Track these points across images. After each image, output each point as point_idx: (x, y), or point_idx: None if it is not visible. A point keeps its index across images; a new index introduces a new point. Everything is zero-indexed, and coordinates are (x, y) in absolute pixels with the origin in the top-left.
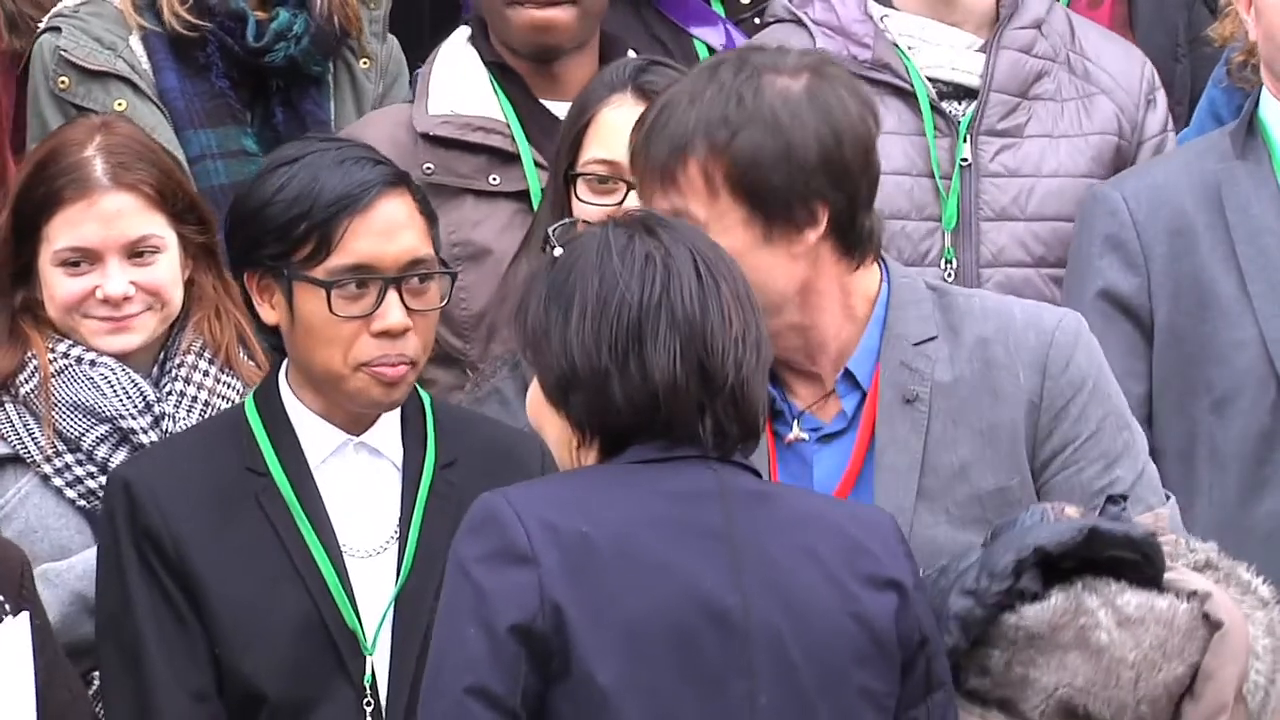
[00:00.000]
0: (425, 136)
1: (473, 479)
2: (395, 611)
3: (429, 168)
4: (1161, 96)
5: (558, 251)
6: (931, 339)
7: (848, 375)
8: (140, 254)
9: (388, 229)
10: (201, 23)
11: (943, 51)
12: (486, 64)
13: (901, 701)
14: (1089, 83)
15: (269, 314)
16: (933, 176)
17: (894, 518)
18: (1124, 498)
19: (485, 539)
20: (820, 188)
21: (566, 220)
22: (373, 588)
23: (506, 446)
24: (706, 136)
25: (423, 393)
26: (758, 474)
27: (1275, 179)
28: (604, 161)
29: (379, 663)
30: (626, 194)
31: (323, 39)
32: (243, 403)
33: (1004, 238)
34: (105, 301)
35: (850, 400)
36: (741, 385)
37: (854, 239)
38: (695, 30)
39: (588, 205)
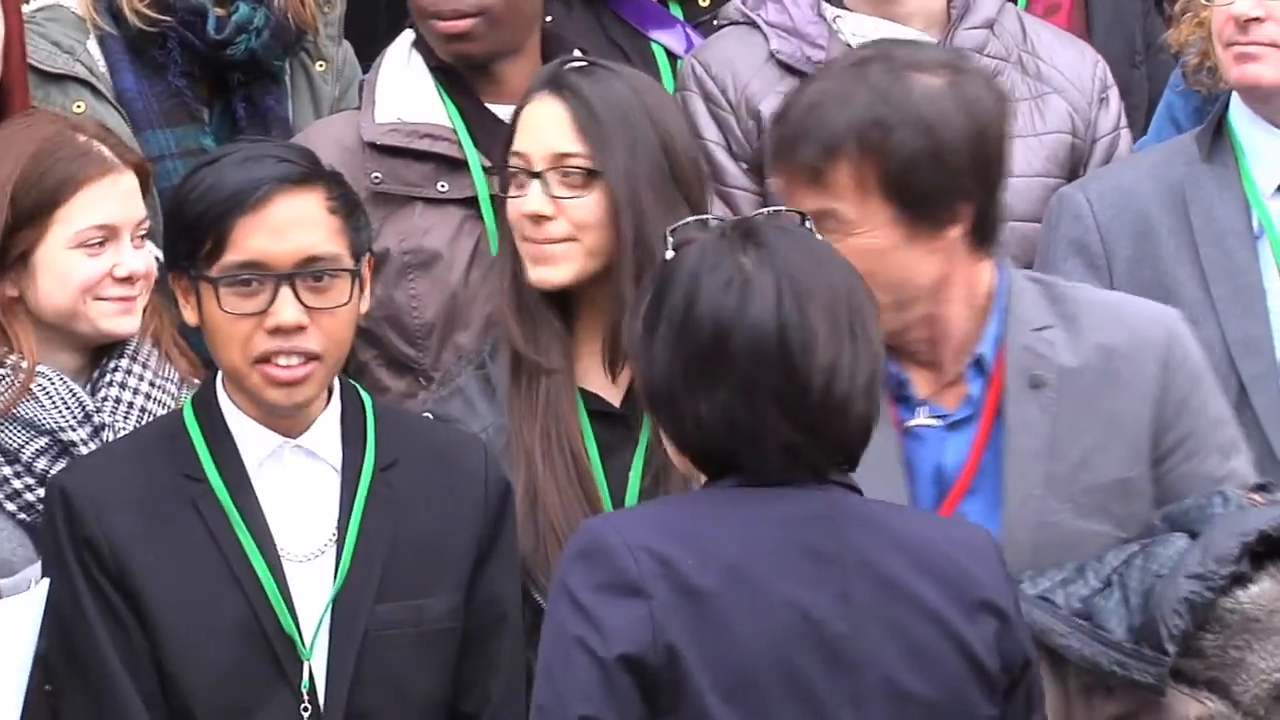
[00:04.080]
0: (372, 145)
1: (413, 481)
2: (333, 615)
3: (377, 176)
4: (1114, 94)
5: (669, 254)
6: (1049, 327)
7: (976, 362)
8: (141, 236)
9: (281, 226)
10: (162, 18)
11: None
12: (431, 69)
13: None
14: (1042, 82)
15: (190, 315)
16: None
17: (991, 536)
18: (1269, 485)
19: (594, 568)
20: (968, 188)
21: (689, 219)
22: (310, 591)
23: (449, 449)
24: (859, 138)
25: (364, 394)
26: (859, 492)
27: (1240, 183)
28: (516, 154)
29: (316, 666)
30: (526, 186)
31: (282, 34)
32: (180, 408)
33: None
34: (125, 280)
35: (977, 386)
36: (834, 407)
37: (988, 233)
38: (653, 34)
39: (510, 200)
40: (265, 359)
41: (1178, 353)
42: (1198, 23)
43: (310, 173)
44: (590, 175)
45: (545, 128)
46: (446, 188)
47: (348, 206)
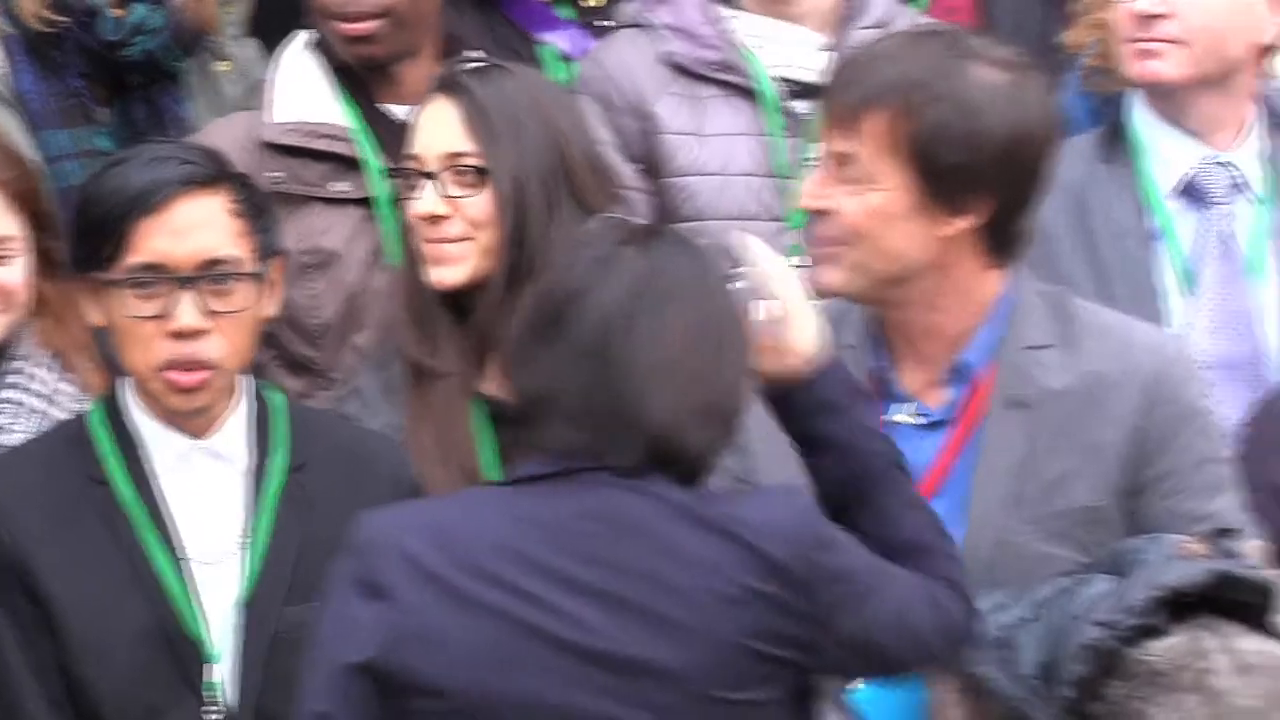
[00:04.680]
0: (270, 145)
1: (327, 482)
2: (239, 617)
3: (275, 176)
4: None
5: None
6: (1047, 346)
7: (959, 367)
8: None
9: (182, 229)
10: (60, 19)
11: (788, 51)
12: (329, 70)
13: (842, 662)
14: None
15: (95, 317)
16: (777, 176)
17: (806, 504)
18: (1234, 531)
19: (350, 564)
20: (989, 180)
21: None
22: (218, 594)
23: (364, 449)
24: (902, 95)
25: (277, 394)
26: (682, 486)
27: (1138, 183)
28: (410, 155)
29: (224, 670)
30: (422, 187)
31: (181, 35)
32: (86, 411)
33: None
34: None
35: (956, 391)
36: (657, 417)
37: (1003, 240)
38: (541, 34)
39: (407, 201)
40: (167, 364)
41: (1168, 388)
42: (1095, 24)
43: (214, 174)
44: (481, 174)
45: (438, 128)
46: (344, 188)
47: (253, 209)
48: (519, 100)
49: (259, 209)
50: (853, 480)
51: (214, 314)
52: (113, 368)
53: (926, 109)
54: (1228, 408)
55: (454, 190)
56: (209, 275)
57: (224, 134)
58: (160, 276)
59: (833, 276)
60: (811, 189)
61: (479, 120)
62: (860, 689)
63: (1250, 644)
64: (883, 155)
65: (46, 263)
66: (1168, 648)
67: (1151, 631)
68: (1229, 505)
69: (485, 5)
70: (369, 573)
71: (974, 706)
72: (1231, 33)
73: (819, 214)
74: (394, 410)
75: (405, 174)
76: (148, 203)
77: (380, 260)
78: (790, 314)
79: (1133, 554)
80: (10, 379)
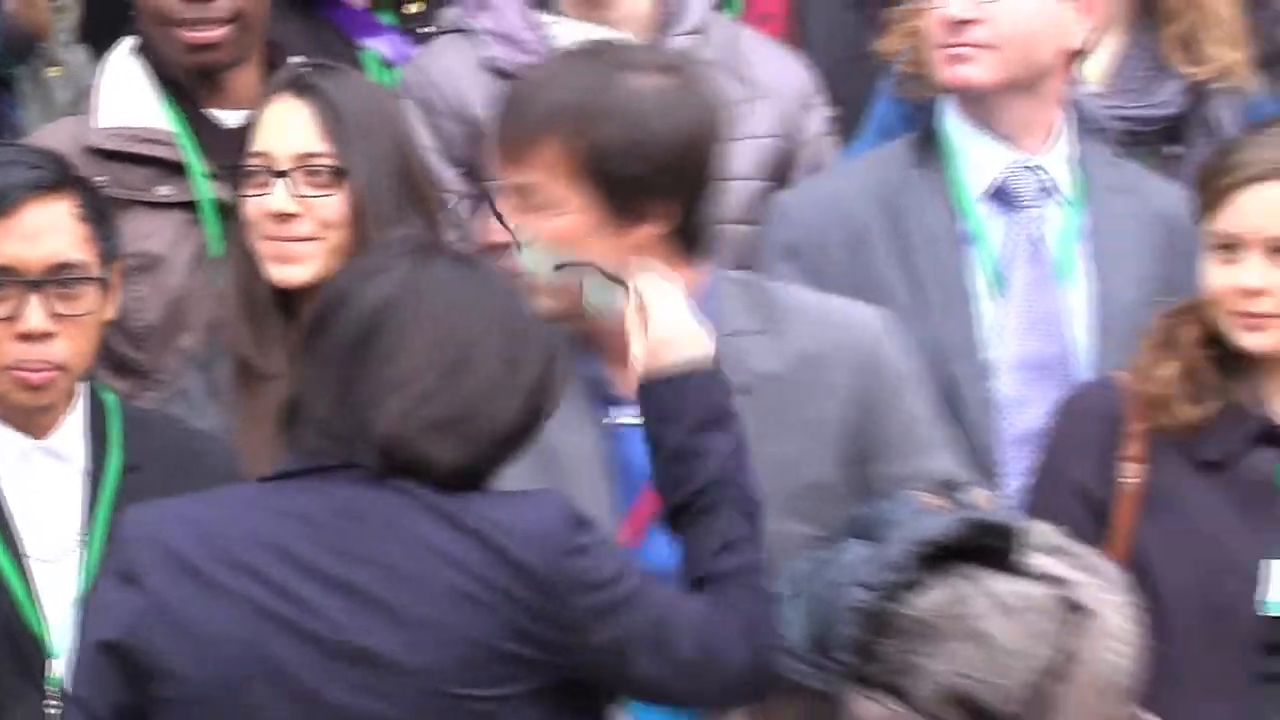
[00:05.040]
0: (95, 150)
1: (161, 481)
2: (81, 609)
3: (100, 181)
4: (820, 101)
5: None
6: (751, 332)
7: None
8: None
9: (31, 233)
10: None
11: None
12: (152, 75)
13: (605, 671)
14: (751, 88)
15: None
16: None
17: (564, 510)
18: (961, 483)
19: (113, 553)
20: (666, 186)
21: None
22: (57, 592)
23: (197, 449)
24: (567, 120)
25: (110, 395)
26: (429, 489)
27: (950, 187)
28: (258, 154)
29: (64, 665)
30: (272, 186)
31: (13, 41)
32: None
33: None
34: None
35: None
36: (394, 429)
37: (691, 238)
38: (364, 41)
39: (248, 199)
40: (15, 365)
41: (881, 357)
42: (908, 32)
43: (61, 180)
44: (336, 175)
45: (290, 128)
46: (167, 192)
47: (97, 214)
48: (367, 104)
49: (102, 214)
50: (685, 495)
51: (61, 317)
52: None
53: (593, 129)
54: (1037, 407)
55: (306, 190)
56: (57, 279)
57: (50, 139)
58: (9, 280)
59: (542, 302)
60: (496, 224)
61: (333, 122)
62: None
63: (1004, 585)
64: (559, 181)
65: None
66: (931, 600)
67: (913, 586)
68: (949, 461)
69: (308, 11)
70: (126, 562)
71: None
72: (1041, 38)
73: (504, 247)
74: (219, 411)
75: (251, 172)
76: (5, 199)
77: (204, 264)
78: (654, 322)
79: (879, 517)
80: None
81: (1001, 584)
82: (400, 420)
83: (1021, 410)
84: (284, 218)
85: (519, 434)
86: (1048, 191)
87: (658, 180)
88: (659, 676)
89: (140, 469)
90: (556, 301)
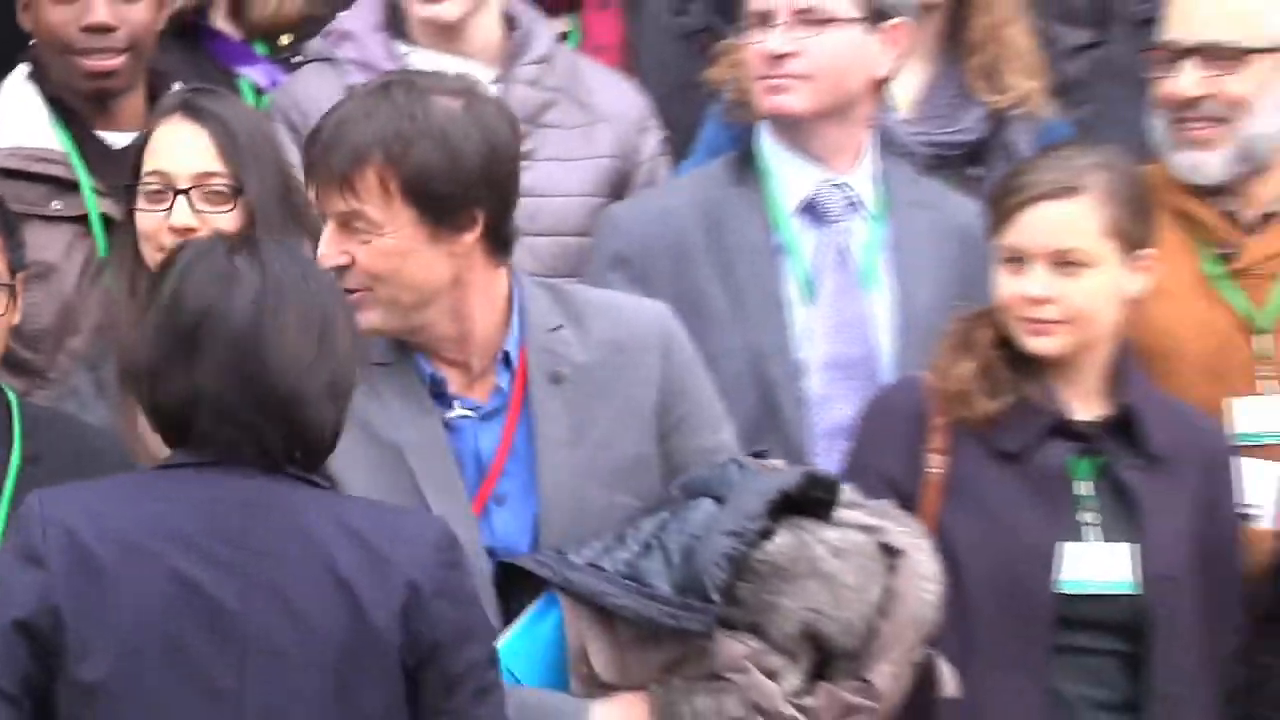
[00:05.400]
0: None
1: (58, 473)
2: None
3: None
4: (655, 124)
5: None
6: (560, 327)
7: (504, 358)
8: None
9: None
10: None
11: None
12: (46, 100)
13: (421, 704)
14: (591, 112)
15: None
16: None
17: (438, 527)
18: (764, 452)
19: (14, 535)
20: (479, 196)
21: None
22: None
23: (90, 443)
24: (383, 148)
25: (10, 392)
26: (314, 483)
27: (764, 203)
28: (156, 173)
29: None
30: (173, 201)
31: None
32: None
33: (519, 251)
34: None
35: (504, 380)
36: (298, 405)
37: (501, 241)
38: (239, 69)
39: (144, 214)
40: None
41: (673, 344)
42: (733, 63)
43: None
44: (232, 193)
45: (187, 149)
46: (60, 207)
47: (6, 227)
48: (253, 127)
49: (10, 228)
50: None
51: None
52: None
53: (407, 154)
54: (845, 404)
55: (203, 206)
56: None
57: None
58: None
59: (368, 319)
60: (326, 249)
61: (229, 145)
62: (503, 641)
63: (832, 534)
64: (382, 205)
65: None
66: (780, 545)
67: (762, 536)
68: (730, 436)
69: (188, 42)
70: (29, 542)
71: (609, 631)
72: (851, 69)
73: (339, 269)
74: (106, 408)
75: (150, 189)
76: None
77: (92, 272)
78: None
79: (715, 480)
80: None
81: (829, 532)
82: (305, 390)
83: (830, 407)
84: (184, 232)
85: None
86: (854, 207)
87: (471, 192)
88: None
89: (38, 460)
90: (378, 317)
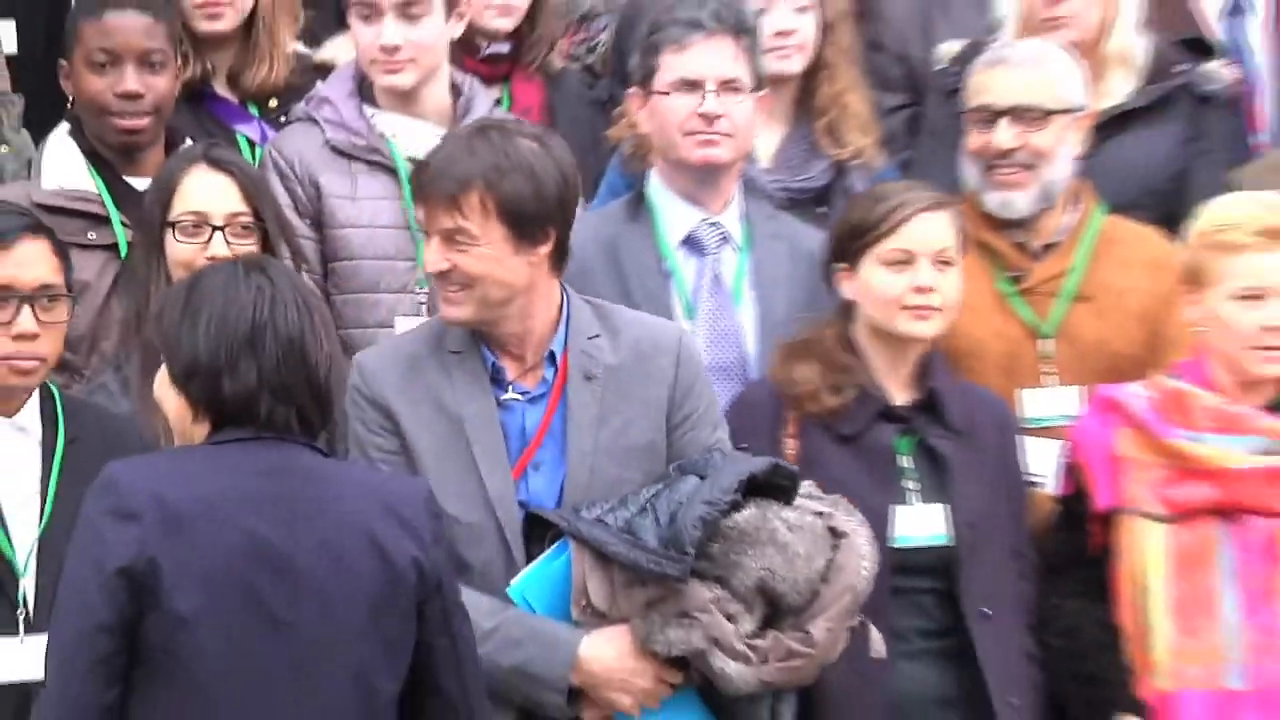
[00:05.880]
0: (40, 205)
1: (91, 451)
2: (39, 547)
3: None
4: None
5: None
6: (597, 336)
7: (550, 355)
8: None
9: (25, 261)
10: None
11: (416, 139)
12: (83, 152)
13: (425, 630)
14: None
15: None
16: (409, 228)
17: (424, 489)
18: (745, 448)
19: (105, 499)
20: (554, 217)
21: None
22: (23, 531)
23: (115, 427)
24: (484, 178)
25: (53, 385)
26: (325, 453)
27: (654, 237)
28: (192, 213)
29: (28, 584)
30: (211, 236)
31: None
32: None
33: None
34: None
35: (550, 373)
36: (326, 388)
37: (562, 254)
38: (237, 127)
39: (181, 245)
40: (8, 357)
41: (685, 355)
42: (630, 124)
43: (40, 225)
44: (255, 227)
45: (219, 194)
46: (94, 237)
47: (63, 251)
48: (258, 174)
49: (65, 252)
50: None
51: (44, 323)
52: None
53: (503, 182)
54: (722, 399)
55: (233, 239)
56: (43, 295)
57: (7, 196)
58: (8, 295)
59: (461, 312)
60: (432, 257)
61: (251, 189)
62: (519, 580)
63: (790, 514)
64: (481, 222)
65: None
66: (746, 516)
67: (736, 505)
68: (725, 434)
69: (195, 104)
70: (121, 503)
71: (606, 573)
72: (753, 129)
73: (443, 274)
74: (129, 401)
75: (188, 226)
76: (2, 242)
77: (119, 288)
78: None
79: (702, 462)
80: None
81: (788, 512)
82: (328, 379)
83: None
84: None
85: None
86: (725, 240)
87: (548, 213)
88: (441, 658)
89: (75, 441)
90: (470, 311)
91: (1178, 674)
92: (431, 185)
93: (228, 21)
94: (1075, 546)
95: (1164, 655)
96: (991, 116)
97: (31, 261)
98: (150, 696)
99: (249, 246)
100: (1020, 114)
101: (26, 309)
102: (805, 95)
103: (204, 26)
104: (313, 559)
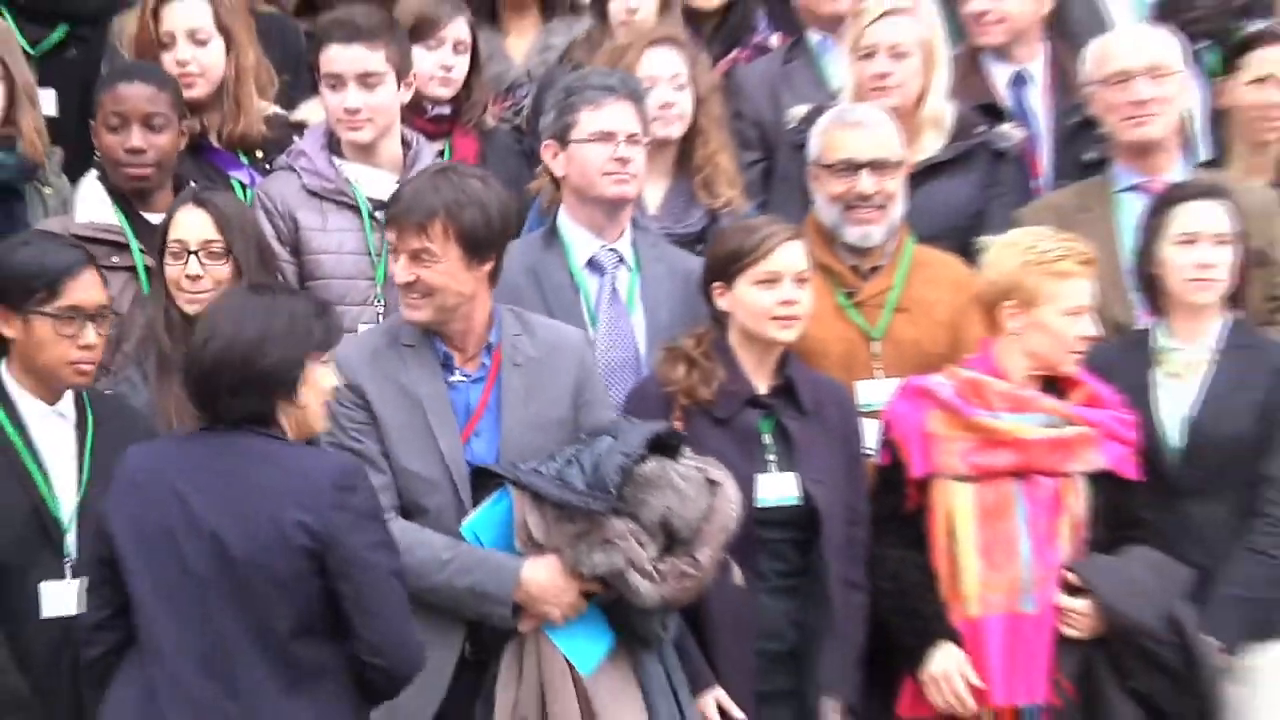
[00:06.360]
0: (77, 235)
1: (113, 433)
2: (79, 508)
3: None
4: None
5: None
6: (519, 334)
7: (488, 347)
8: None
9: (88, 287)
10: None
11: (375, 184)
12: (108, 193)
13: (328, 578)
14: None
15: (8, 330)
16: (369, 254)
17: (344, 468)
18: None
19: (115, 469)
20: (497, 243)
21: None
22: (66, 496)
23: (130, 414)
24: (446, 209)
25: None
26: (270, 436)
27: (566, 261)
28: (176, 240)
29: (71, 538)
30: (188, 259)
31: (24, 171)
32: None
33: None
34: None
35: (487, 360)
36: (272, 384)
37: (498, 272)
38: (231, 173)
39: (169, 267)
40: (75, 362)
41: (584, 352)
42: (549, 178)
43: (92, 257)
44: (225, 252)
45: (196, 225)
46: (117, 260)
47: (104, 277)
48: (239, 210)
49: (105, 277)
50: None
51: (100, 336)
52: None
53: (462, 213)
54: (619, 391)
55: (206, 261)
56: (101, 315)
57: (49, 228)
58: (77, 315)
59: (421, 315)
60: (401, 271)
61: (223, 222)
62: (469, 521)
63: (680, 466)
64: (443, 244)
65: None
66: (650, 467)
67: (641, 459)
68: (613, 413)
69: (197, 154)
70: (116, 472)
71: (542, 512)
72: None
73: (408, 284)
74: (147, 389)
75: (173, 251)
76: (72, 270)
77: (138, 302)
78: None
79: (611, 428)
80: None
81: (679, 465)
82: (271, 377)
83: (610, 392)
84: (194, 279)
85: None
86: (621, 263)
87: (494, 240)
88: (352, 612)
89: (102, 424)
90: (428, 314)
91: (985, 601)
92: (403, 214)
93: (200, 89)
94: (893, 506)
95: (974, 587)
96: (854, 168)
97: (92, 287)
98: (130, 613)
99: (221, 268)
100: (877, 165)
101: (90, 325)
102: (684, 155)
103: (186, 94)
104: (223, 520)
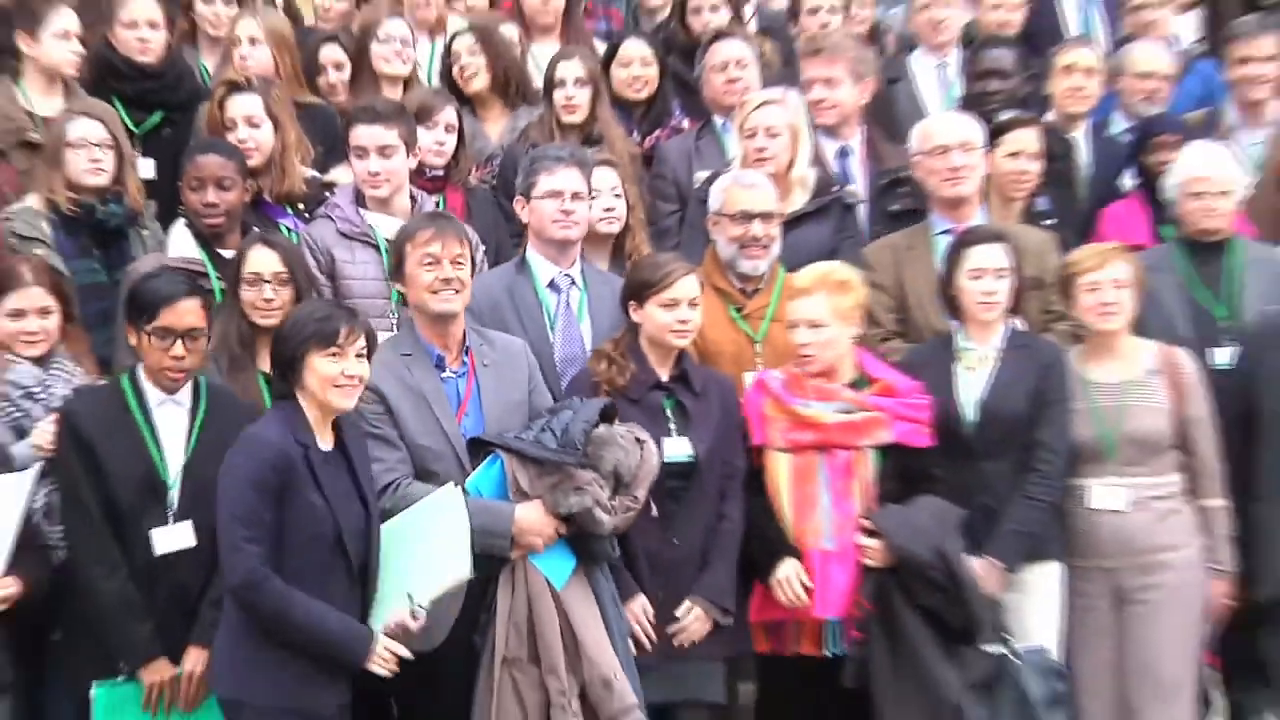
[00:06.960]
0: (168, 267)
1: (218, 417)
2: (183, 473)
3: None
4: (481, 246)
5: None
6: (483, 344)
7: (466, 350)
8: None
9: (184, 311)
10: (75, 210)
11: (391, 228)
12: (193, 235)
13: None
14: None
15: (132, 340)
16: (385, 281)
17: (282, 439)
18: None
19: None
20: (474, 262)
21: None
22: (174, 462)
23: (233, 402)
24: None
25: (203, 376)
26: (252, 410)
27: (533, 282)
28: (253, 272)
29: (174, 494)
30: (263, 286)
31: (130, 218)
32: (118, 377)
33: None
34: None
35: (466, 361)
36: (288, 366)
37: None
38: (280, 220)
39: (248, 291)
40: (168, 367)
41: (529, 356)
42: (524, 223)
43: (198, 288)
44: (290, 281)
45: (269, 260)
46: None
47: (209, 304)
48: (295, 249)
49: (209, 304)
50: None
51: (189, 350)
52: (105, 364)
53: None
54: (568, 374)
55: (277, 287)
56: (189, 335)
57: (149, 264)
58: (169, 333)
59: (455, 305)
60: (450, 274)
61: (288, 258)
62: (470, 480)
63: (618, 430)
64: (458, 257)
65: (65, 318)
66: (602, 430)
67: (596, 424)
68: (550, 399)
69: (257, 207)
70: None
71: (526, 469)
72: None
73: (449, 280)
74: (222, 380)
75: (251, 281)
76: (169, 300)
77: (215, 316)
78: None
79: (566, 405)
80: (54, 369)
81: (618, 429)
82: (288, 360)
83: (564, 378)
84: (268, 301)
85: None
86: (573, 283)
87: (472, 260)
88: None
89: (210, 411)
90: (461, 304)
91: (800, 541)
92: (449, 226)
93: (256, 160)
94: (751, 465)
95: (790, 531)
96: (748, 217)
97: (188, 312)
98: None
99: (287, 292)
100: (765, 216)
101: (179, 342)
102: (618, 246)
103: (247, 163)
104: (214, 464)
